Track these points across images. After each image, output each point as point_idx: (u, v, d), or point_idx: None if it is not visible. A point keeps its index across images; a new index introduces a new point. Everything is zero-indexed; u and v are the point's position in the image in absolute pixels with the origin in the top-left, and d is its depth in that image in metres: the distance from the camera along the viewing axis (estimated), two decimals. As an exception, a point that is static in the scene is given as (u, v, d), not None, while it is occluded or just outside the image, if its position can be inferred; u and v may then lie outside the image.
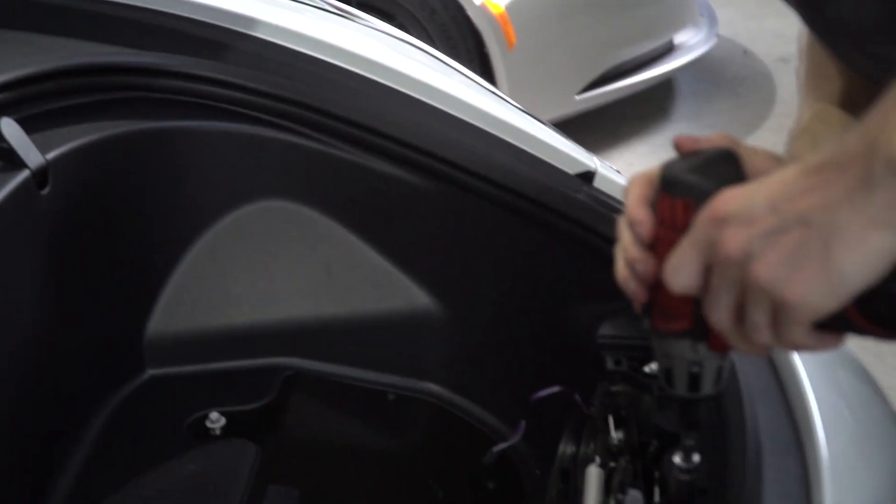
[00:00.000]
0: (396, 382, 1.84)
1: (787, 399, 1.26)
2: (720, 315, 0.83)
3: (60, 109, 1.61)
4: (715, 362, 0.92)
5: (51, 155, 1.52)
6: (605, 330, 1.40)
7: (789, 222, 0.76)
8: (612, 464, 1.33)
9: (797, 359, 1.31)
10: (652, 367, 1.35)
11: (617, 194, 1.61)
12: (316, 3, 2.19)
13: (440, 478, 1.73)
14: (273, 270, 1.85)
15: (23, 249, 1.51)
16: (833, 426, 1.22)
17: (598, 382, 1.41)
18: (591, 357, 1.41)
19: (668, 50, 4.65)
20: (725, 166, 0.86)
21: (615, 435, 1.34)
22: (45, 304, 1.56)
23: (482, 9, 3.98)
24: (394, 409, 1.83)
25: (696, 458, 1.06)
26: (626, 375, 1.37)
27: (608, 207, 1.57)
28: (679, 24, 4.71)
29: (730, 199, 0.80)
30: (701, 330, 0.87)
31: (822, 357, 1.40)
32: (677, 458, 1.07)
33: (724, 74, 5.31)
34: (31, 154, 1.48)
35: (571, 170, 1.63)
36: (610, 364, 1.38)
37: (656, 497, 1.20)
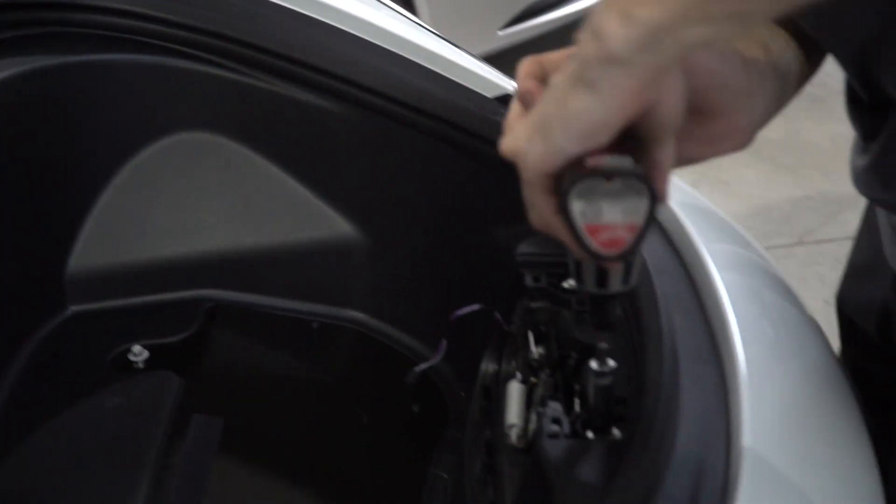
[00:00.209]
0: (320, 311, 1.84)
1: (703, 308, 1.27)
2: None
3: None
4: None
5: (-37, 91, 1.50)
6: (524, 248, 1.40)
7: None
8: (533, 379, 1.34)
9: (715, 271, 1.32)
10: (570, 283, 1.36)
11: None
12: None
13: (365, 404, 1.73)
14: (193, 203, 1.84)
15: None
16: (751, 334, 1.23)
17: (517, 300, 1.41)
18: (512, 276, 1.42)
19: (591, -16, 4.65)
20: None
21: (535, 350, 1.35)
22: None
23: (402, -58, 3.95)
24: (318, 338, 1.84)
25: (610, 362, 1.07)
26: (545, 291, 1.38)
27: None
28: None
29: None
30: None
31: (744, 272, 1.42)
32: (593, 364, 1.07)
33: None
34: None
35: (489, 93, 1.62)
36: (529, 281, 1.39)
37: (576, 408, 1.20)
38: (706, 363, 1.19)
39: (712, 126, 0.90)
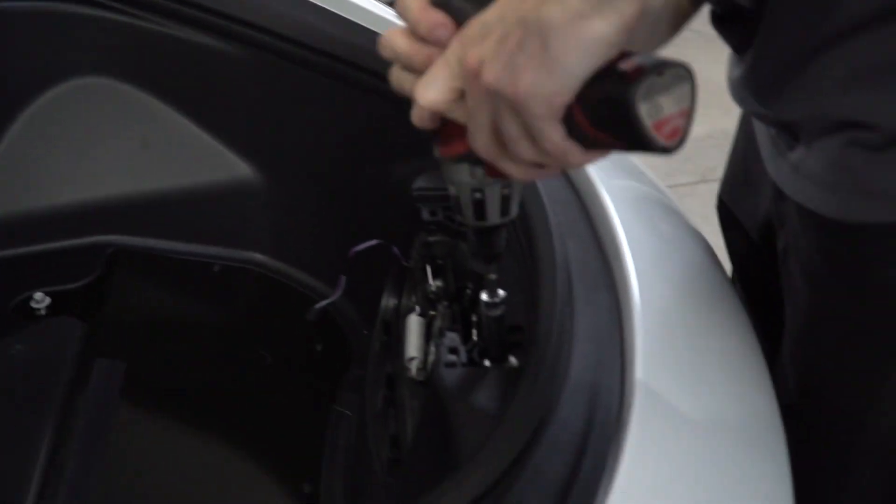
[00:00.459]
0: (220, 253, 1.84)
1: (597, 236, 1.29)
2: (479, 136, 0.85)
3: None
4: (497, 190, 0.95)
5: None
6: (420, 182, 1.41)
7: (511, 26, 0.79)
8: (432, 312, 1.35)
9: (609, 200, 1.34)
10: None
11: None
12: None
13: (268, 345, 1.73)
14: (92, 149, 1.83)
15: None
16: (644, 261, 1.24)
17: (415, 235, 1.43)
18: (409, 211, 1.43)
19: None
20: None
21: (433, 283, 1.37)
22: None
23: None
24: (219, 281, 1.83)
25: (500, 292, 1.08)
26: (442, 225, 1.39)
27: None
28: None
29: (475, 21, 0.83)
30: (476, 154, 0.89)
31: (639, 203, 1.44)
32: (483, 295, 1.09)
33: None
34: None
35: (382, 29, 1.62)
36: (426, 215, 1.40)
37: (474, 338, 1.22)
38: (600, 289, 1.21)
39: None
